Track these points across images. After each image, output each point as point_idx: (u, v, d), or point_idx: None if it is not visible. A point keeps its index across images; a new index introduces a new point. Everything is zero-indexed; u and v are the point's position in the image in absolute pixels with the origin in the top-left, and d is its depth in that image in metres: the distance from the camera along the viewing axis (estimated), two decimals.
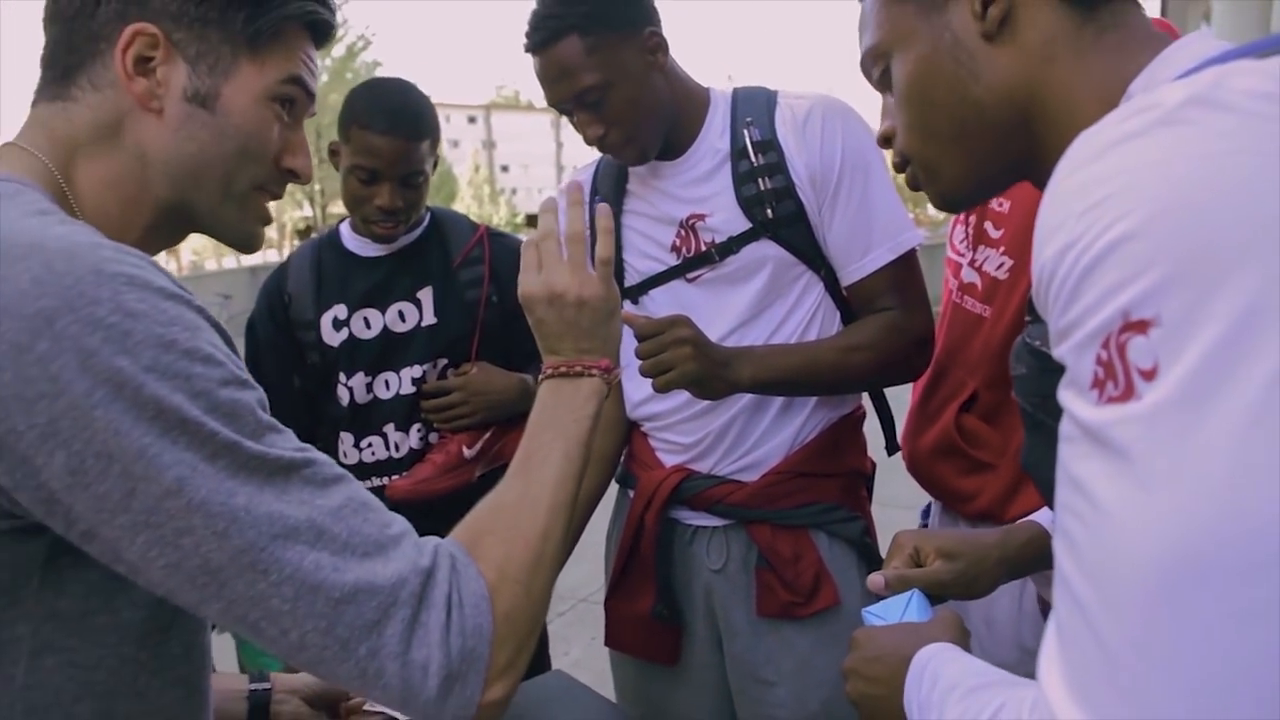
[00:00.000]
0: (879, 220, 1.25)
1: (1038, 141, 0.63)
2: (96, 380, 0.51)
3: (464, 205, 42.03)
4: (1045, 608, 1.24)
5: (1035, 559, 0.89)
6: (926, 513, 1.54)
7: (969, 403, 1.28)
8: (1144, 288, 0.41)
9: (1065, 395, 0.46)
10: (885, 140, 0.74)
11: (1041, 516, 0.92)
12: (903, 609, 0.81)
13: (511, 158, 63.67)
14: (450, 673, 0.58)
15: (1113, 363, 0.42)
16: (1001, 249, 1.24)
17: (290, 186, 0.77)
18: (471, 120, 64.77)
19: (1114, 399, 0.42)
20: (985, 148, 0.65)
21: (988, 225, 1.27)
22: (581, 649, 3.10)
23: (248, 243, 0.74)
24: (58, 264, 0.52)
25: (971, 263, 1.29)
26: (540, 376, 0.78)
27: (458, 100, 64.80)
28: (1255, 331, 0.39)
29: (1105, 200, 0.43)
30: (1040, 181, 0.58)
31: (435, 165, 1.55)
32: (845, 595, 1.28)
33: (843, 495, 1.33)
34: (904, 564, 0.88)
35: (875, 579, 0.86)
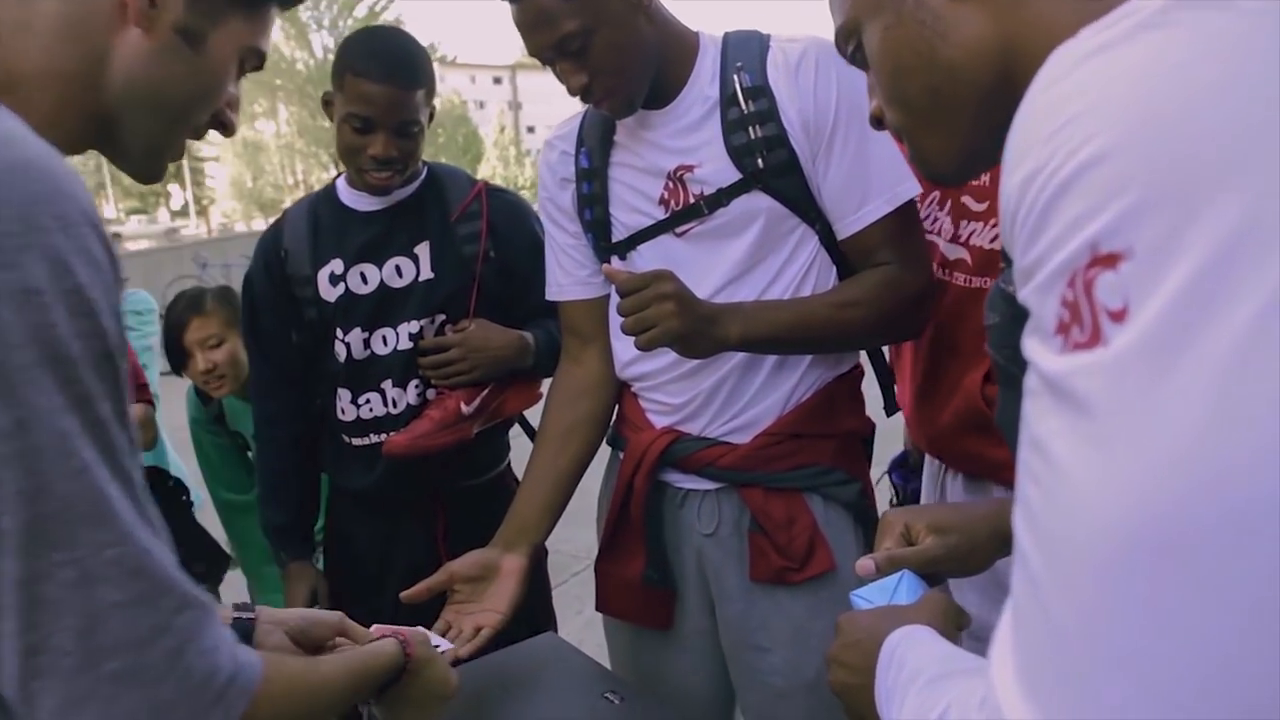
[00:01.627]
0: (876, 170, 1.20)
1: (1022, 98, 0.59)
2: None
3: (489, 167, 41.88)
4: None
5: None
6: (899, 466, 1.51)
7: (989, 373, 1.24)
8: (1113, 216, 0.36)
9: (1029, 344, 0.41)
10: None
11: None
12: (891, 591, 0.77)
13: (538, 119, 63.14)
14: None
15: (1078, 304, 0.37)
16: (991, 222, 1.21)
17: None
18: (497, 81, 64.28)
19: (1079, 345, 0.37)
20: (967, 113, 0.60)
21: (967, 200, 1.23)
22: (594, 609, 3.11)
23: (156, 175, 0.73)
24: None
25: (955, 238, 1.26)
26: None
27: (483, 60, 64.27)
28: (1237, 264, 0.33)
29: (1074, 119, 0.39)
30: None
31: (431, 117, 1.52)
32: (841, 560, 1.25)
33: (839, 457, 1.29)
34: (894, 544, 0.84)
35: (864, 563, 0.82)
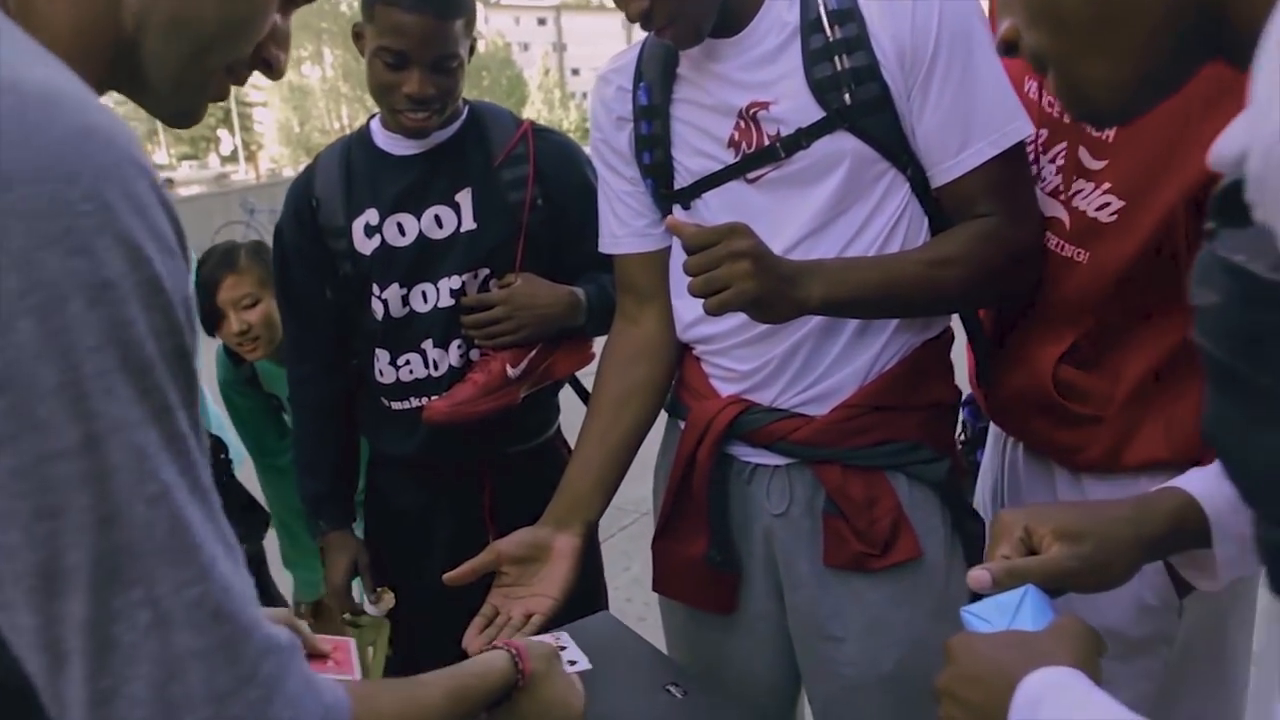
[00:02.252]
0: (982, 107, 1.04)
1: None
2: None
3: (534, 109, 41.65)
4: (1173, 571, 1.09)
5: (1180, 536, 0.71)
6: (971, 403, 1.37)
7: (1066, 353, 1.11)
8: None
9: None
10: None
11: (1189, 483, 0.74)
12: (1013, 611, 0.64)
13: (582, 61, 62.48)
14: None
15: None
16: (1105, 185, 1.04)
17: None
18: (541, 22, 63.56)
19: None
20: (1142, 34, 0.49)
21: (1083, 153, 1.06)
22: (642, 565, 3.03)
23: (189, 114, 0.62)
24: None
25: (1056, 193, 1.10)
26: None
27: (527, 2, 63.47)
28: None
29: None
30: (1237, 55, 0.42)
31: (471, 51, 1.39)
32: (927, 546, 1.13)
33: (926, 432, 1.16)
34: (1012, 551, 0.71)
35: (978, 574, 0.69)
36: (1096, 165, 1.05)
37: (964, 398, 1.53)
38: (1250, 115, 0.36)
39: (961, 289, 1.08)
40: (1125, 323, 1.08)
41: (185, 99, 0.60)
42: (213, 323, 1.92)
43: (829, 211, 1.08)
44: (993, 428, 1.37)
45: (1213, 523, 0.71)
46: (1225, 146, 0.38)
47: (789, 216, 1.09)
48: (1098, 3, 0.49)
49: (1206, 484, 0.72)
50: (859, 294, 1.04)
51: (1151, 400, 1.09)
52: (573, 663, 0.95)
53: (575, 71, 62.22)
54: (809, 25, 1.05)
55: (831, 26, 1.04)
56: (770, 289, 0.97)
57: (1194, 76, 0.53)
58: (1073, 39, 0.51)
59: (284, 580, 2.42)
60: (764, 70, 1.07)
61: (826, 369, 1.13)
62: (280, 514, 2.09)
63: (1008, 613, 0.65)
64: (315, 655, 0.93)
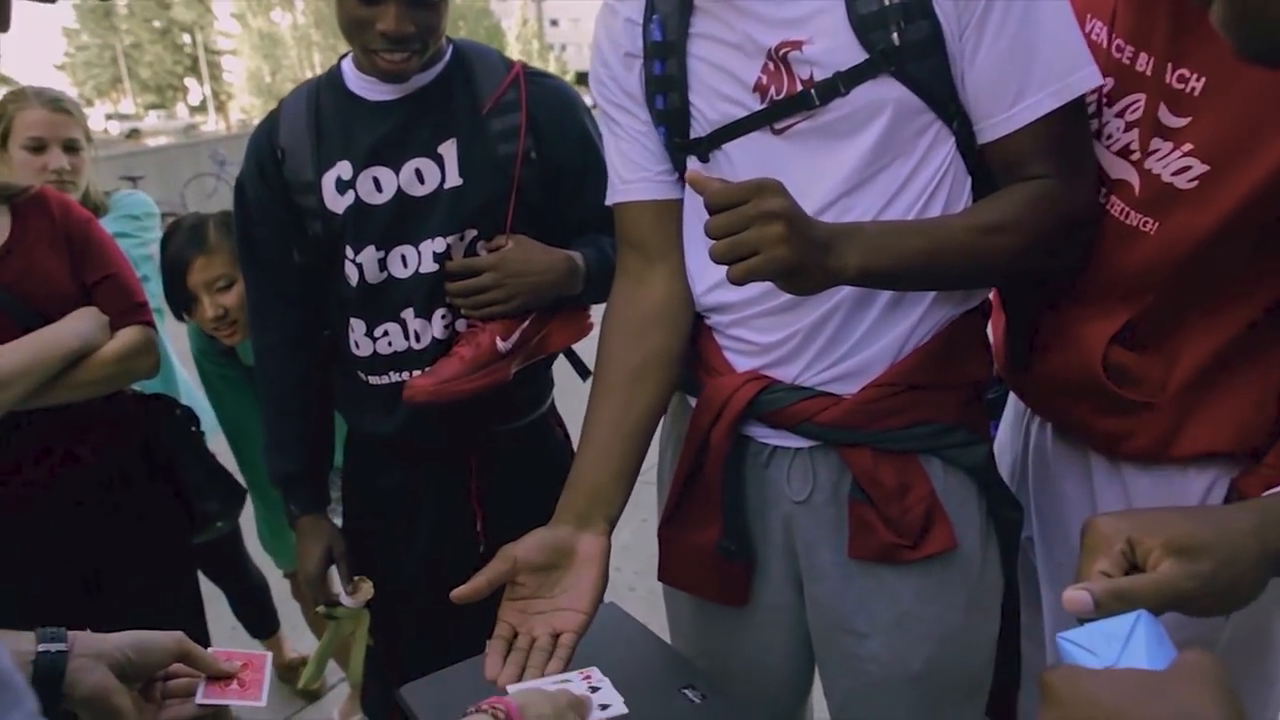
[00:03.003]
0: (1044, 51, 0.92)
1: None
2: None
3: None
4: None
5: None
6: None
7: (1118, 333, 1.01)
8: None
9: None
10: None
11: None
12: (1123, 642, 0.54)
13: (561, 11, 61.29)
14: None
15: None
16: (1187, 147, 0.92)
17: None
18: None
19: None
20: None
21: (1164, 111, 0.94)
22: (631, 532, 2.95)
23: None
24: None
25: (1126, 153, 0.98)
26: None
27: None
28: None
29: None
30: None
31: None
32: (963, 536, 1.03)
33: (963, 413, 1.06)
34: (1114, 568, 0.61)
35: (1078, 597, 0.58)
36: (1178, 123, 0.93)
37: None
38: None
39: (1011, 259, 0.96)
40: (1189, 302, 0.99)
41: None
42: (186, 307, 1.79)
43: (866, 168, 0.96)
44: (1014, 402, 1.27)
45: None
46: None
47: (820, 173, 0.97)
48: None
49: None
50: (901, 264, 0.92)
51: (1209, 388, 1.00)
52: (605, 706, 0.80)
53: (554, 22, 61.08)
54: None
55: None
56: (804, 256, 0.84)
57: None
58: None
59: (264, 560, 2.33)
60: (799, 4, 0.94)
61: (856, 343, 1.01)
62: (257, 483, 1.98)
63: (1117, 643, 0.55)
64: (218, 678, 0.83)
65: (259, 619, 2.42)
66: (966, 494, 1.05)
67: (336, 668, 2.42)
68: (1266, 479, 0.96)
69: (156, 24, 44.95)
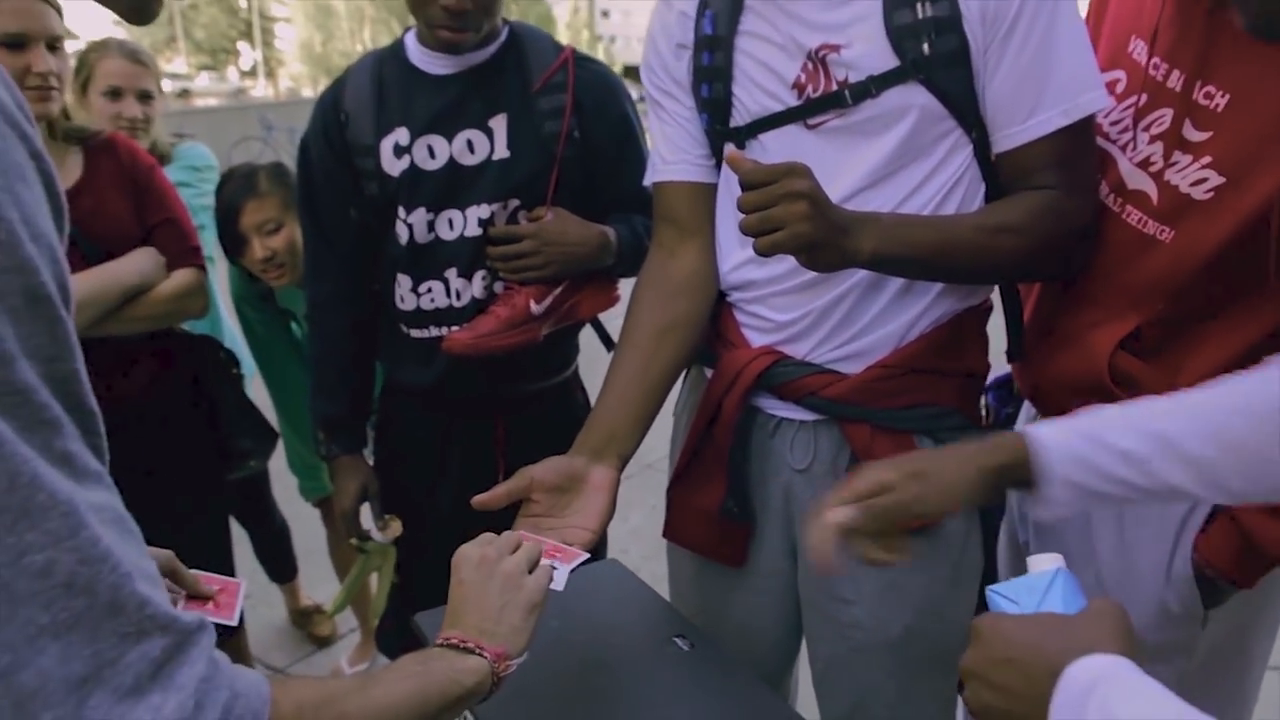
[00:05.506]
0: (1058, 73, 0.99)
1: None
2: None
3: None
4: (1199, 572, 1.06)
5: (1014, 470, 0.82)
6: (999, 386, 1.32)
7: (1126, 339, 1.06)
8: None
9: None
10: None
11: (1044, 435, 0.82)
12: (1042, 592, 0.62)
13: (613, 3, 61.11)
14: None
15: None
16: (1206, 159, 0.97)
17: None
18: None
19: None
20: None
21: (1188, 125, 0.99)
22: (642, 516, 3.04)
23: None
24: None
25: (1146, 165, 1.03)
26: (434, 642, 0.76)
27: None
28: None
29: None
30: None
31: None
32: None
33: (959, 399, 1.13)
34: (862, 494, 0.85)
35: (841, 513, 0.84)
36: (1199, 137, 0.98)
37: (990, 381, 1.49)
38: None
39: (1016, 260, 1.04)
40: (1199, 312, 1.02)
41: None
42: (237, 248, 1.88)
43: (888, 166, 1.04)
44: (1026, 409, 1.32)
45: (1041, 463, 0.80)
46: None
47: (846, 167, 1.04)
48: None
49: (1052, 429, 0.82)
50: (911, 253, 1.00)
51: None
52: (553, 568, 0.89)
53: (605, 14, 60.90)
54: None
55: None
56: (824, 234, 0.93)
57: None
58: None
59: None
60: (840, 11, 1.02)
61: (865, 326, 1.09)
62: (291, 418, 2.07)
63: (1036, 594, 0.63)
64: (196, 597, 0.88)
65: (280, 563, 2.51)
66: None
67: (349, 616, 2.51)
68: None
69: None
